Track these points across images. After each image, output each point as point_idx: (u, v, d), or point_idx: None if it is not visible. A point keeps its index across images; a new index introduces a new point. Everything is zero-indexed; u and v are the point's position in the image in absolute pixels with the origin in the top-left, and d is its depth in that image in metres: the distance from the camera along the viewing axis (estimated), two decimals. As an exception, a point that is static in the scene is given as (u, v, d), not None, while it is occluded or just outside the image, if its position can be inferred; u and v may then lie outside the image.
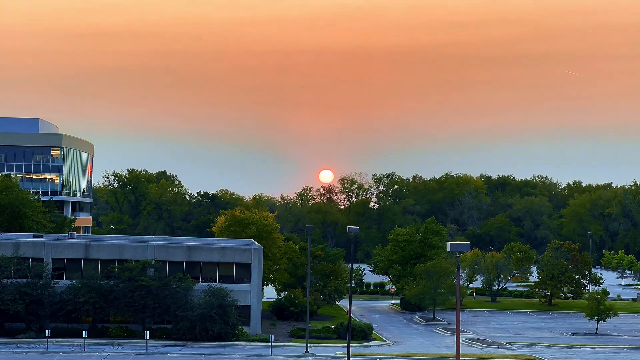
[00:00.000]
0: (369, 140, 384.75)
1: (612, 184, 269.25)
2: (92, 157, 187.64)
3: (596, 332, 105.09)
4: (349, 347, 76.80)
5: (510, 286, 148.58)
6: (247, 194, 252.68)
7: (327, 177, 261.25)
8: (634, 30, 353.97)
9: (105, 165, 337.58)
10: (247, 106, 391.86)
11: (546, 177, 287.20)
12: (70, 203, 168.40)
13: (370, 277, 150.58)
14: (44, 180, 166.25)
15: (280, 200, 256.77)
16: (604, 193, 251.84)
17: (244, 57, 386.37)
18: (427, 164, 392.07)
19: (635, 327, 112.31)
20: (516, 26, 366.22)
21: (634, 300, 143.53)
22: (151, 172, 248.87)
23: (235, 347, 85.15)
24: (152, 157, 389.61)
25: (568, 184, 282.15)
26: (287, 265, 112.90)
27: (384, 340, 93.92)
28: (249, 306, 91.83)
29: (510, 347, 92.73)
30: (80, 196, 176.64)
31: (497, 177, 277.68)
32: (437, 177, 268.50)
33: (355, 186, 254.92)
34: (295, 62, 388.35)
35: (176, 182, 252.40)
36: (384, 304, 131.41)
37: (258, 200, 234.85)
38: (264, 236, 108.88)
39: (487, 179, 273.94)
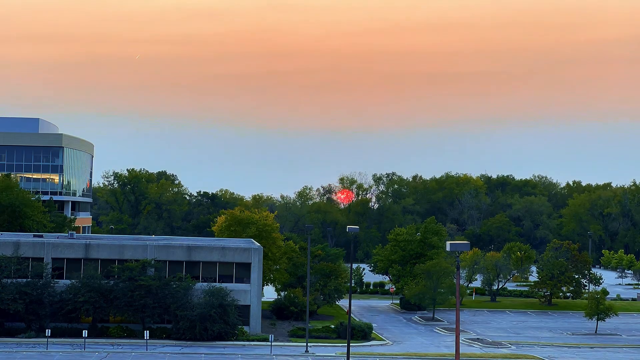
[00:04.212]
0: (369, 140, 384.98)
1: (612, 184, 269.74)
2: (92, 156, 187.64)
3: (596, 332, 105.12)
4: (348, 346, 76.82)
5: (510, 286, 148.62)
6: (247, 194, 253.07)
7: (343, 197, 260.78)
8: (635, 33, 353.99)
9: (105, 165, 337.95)
10: (247, 106, 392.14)
11: (546, 177, 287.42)
12: (70, 203, 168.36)
13: (370, 276, 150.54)
14: (44, 180, 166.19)
15: (280, 200, 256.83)
16: (604, 193, 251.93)
17: (243, 58, 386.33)
18: (427, 164, 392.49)
19: (634, 327, 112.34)
20: (514, 26, 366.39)
21: (633, 299, 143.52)
22: (151, 172, 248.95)
23: (235, 347, 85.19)
24: (152, 157, 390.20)
25: (568, 184, 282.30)
26: (287, 265, 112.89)
27: (383, 340, 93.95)
28: (248, 306, 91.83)
29: (510, 347, 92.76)
30: (80, 196, 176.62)
31: (497, 177, 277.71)
32: (437, 177, 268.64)
33: (355, 186, 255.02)
34: (294, 63, 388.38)
35: (176, 182, 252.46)
36: (384, 303, 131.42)
37: (258, 200, 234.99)
38: (264, 236, 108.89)
39: (486, 179, 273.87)
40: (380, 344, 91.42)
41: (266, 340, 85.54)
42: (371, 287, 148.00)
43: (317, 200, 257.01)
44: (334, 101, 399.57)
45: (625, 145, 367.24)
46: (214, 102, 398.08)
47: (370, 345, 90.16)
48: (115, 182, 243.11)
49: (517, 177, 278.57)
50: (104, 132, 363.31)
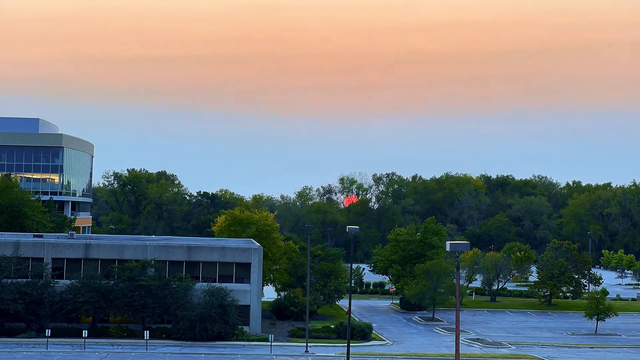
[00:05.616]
0: (369, 140, 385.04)
1: (612, 184, 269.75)
2: (92, 157, 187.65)
3: (595, 332, 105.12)
4: (348, 346, 76.82)
5: (510, 286, 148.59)
6: (247, 194, 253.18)
7: (344, 198, 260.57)
8: (636, 35, 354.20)
9: (105, 165, 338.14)
10: (247, 106, 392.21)
11: (546, 177, 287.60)
12: (70, 203, 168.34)
13: (370, 276, 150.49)
14: (44, 180, 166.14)
15: (280, 200, 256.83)
16: (604, 193, 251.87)
17: (243, 59, 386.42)
18: (427, 164, 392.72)
19: (634, 327, 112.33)
20: (515, 26, 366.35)
21: (633, 299, 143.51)
22: (151, 172, 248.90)
23: (235, 347, 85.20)
24: (152, 157, 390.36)
25: (567, 184, 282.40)
26: (287, 265, 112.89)
27: (383, 340, 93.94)
28: (248, 306, 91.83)
29: (510, 347, 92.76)
30: (80, 196, 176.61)
31: (497, 177, 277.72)
32: (437, 177, 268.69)
33: (355, 186, 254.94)
34: (295, 64, 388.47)
35: (176, 182, 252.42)
36: (384, 303, 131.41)
37: (258, 200, 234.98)
38: (264, 236, 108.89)
39: (486, 179, 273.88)
40: (380, 344, 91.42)
41: (266, 340, 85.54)
42: (371, 287, 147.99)
43: (317, 200, 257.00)
44: (335, 101, 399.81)
45: (625, 146, 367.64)
46: (213, 103, 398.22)
47: (370, 345, 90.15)
48: (115, 182, 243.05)
49: (517, 177, 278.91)
50: (104, 132, 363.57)
